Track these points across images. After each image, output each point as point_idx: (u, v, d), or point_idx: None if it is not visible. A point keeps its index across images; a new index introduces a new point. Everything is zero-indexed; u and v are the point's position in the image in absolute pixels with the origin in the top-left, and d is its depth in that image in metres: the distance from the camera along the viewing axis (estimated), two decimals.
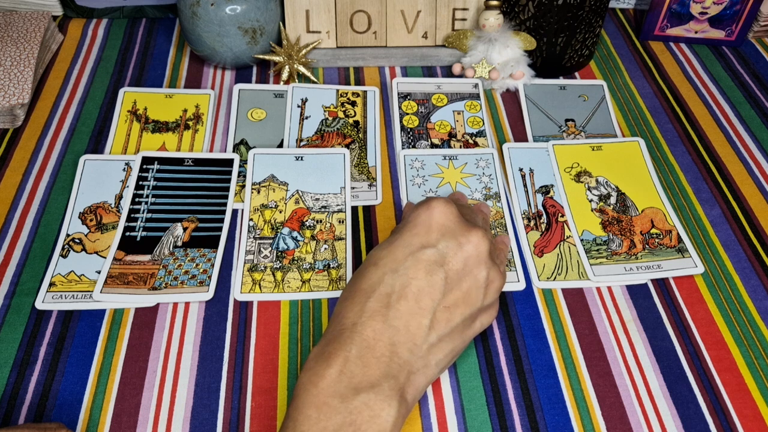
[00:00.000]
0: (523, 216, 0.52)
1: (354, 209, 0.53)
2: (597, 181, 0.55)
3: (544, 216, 0.52)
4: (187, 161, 0.55)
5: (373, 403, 0.31)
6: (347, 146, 0.57)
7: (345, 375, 0.32)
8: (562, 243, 0.51)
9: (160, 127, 0.59)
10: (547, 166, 0.56)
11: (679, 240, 0.51)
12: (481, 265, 0.35)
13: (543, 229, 0.52)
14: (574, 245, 0.50)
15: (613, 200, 0.54)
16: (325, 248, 0.49)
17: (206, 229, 0.50)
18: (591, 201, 0.53)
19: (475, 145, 0.58)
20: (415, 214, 0.36)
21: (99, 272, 0.47)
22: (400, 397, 0.32)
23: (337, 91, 0.62)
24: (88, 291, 0.46)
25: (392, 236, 0.36)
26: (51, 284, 0.46)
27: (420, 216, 0.35)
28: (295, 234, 0.50)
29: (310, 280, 0.47)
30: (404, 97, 0.62)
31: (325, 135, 0.58)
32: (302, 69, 0.63)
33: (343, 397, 0.31)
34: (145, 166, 0.54)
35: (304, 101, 0.61)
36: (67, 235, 0.49)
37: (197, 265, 0.48)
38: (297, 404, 0.32)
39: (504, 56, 0.62)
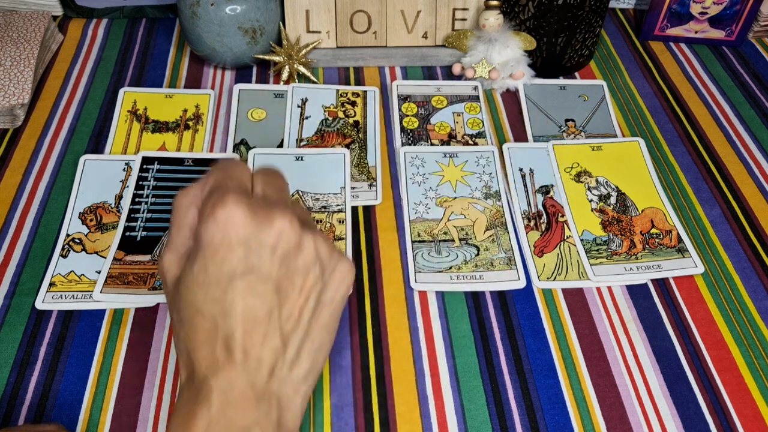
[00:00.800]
0: (523, 216, 0.52)
1: (354, 209, 0.53)
2: (597, 181, 0.55)
3: (544, 216, 0.52)
4: (187, 161, 0.55)
5: None
6: (347, 146, 0.57)
7: None
8: (562, 243, 0.51)
9: (160, 127, 0.59)
10: (547, 166, 0.56)
11: (679, 240, 0.51)
12: (298, 247, 0.32)
13: (543, 229, 0.52)
14: (574, 245, 0.50)
15: (613, 200, 0.54)
16: None
17: None
18: (591, 201, 0.53)
19: (475, 145, 0.58)
20: (207, 235, 0.31)
21: (99, 272, 0.47)
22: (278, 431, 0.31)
23: (337, 91, 0.62)
24: (88, 291, 0.46)
25: (195, 271, 0.31)
26: (51, 284, 0.46)
27: (213, 236, 0.31)
28: None
29: None
30: (404, 99, 0.62)
31: (325, 135, 0.58)
32: (302, 69, 0.63)
33: None
34: (145, 166, 0.54)
35: (304, 101, 0.61)
36: (67, 235, 0.49)
37: None
38: None
39: (504, 56, 0.62)
